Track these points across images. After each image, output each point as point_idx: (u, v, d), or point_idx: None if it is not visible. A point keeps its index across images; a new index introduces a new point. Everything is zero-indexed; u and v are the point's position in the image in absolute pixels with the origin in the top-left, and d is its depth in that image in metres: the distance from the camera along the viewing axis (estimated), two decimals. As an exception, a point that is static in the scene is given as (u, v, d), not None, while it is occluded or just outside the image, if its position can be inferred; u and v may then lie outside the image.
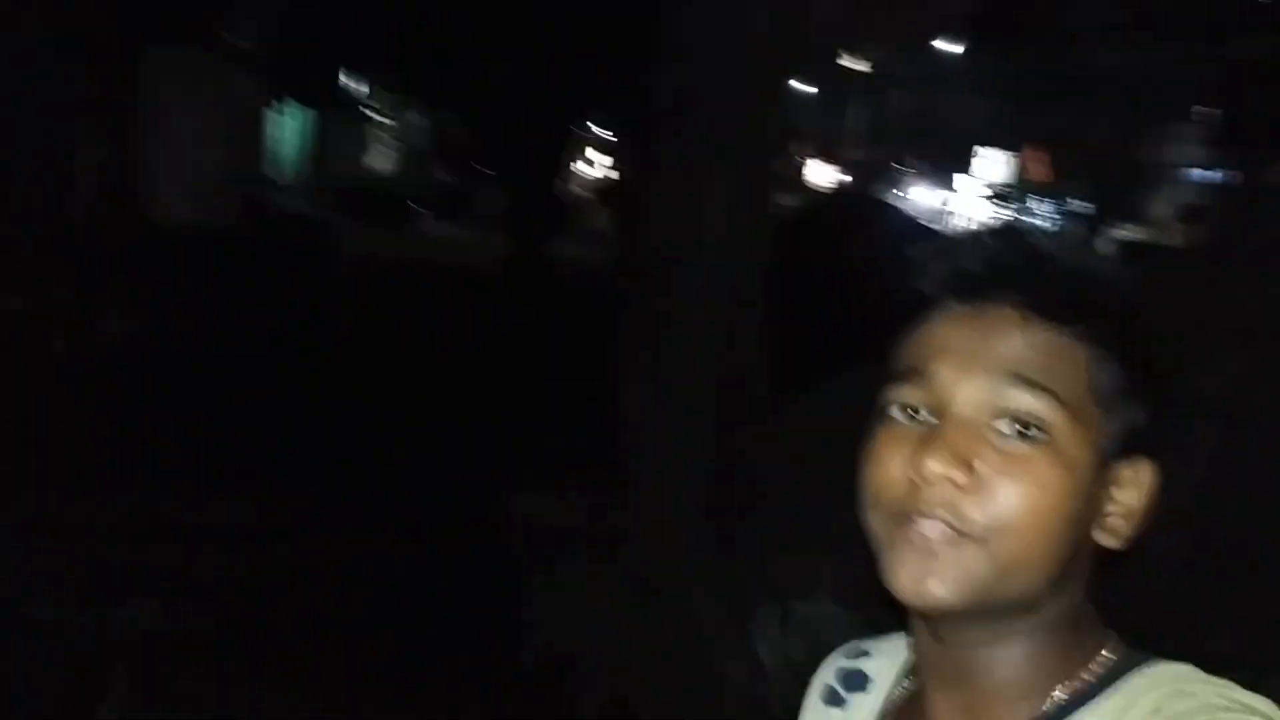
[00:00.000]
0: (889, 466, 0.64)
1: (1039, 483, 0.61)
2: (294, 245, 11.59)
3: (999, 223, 0.76)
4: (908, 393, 0.66)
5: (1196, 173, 15.49)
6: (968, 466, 0.61)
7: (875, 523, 0.66)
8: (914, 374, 0.66)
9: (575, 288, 8.21)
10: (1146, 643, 0.69)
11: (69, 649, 3.28)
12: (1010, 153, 22.99)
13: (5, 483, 4.28)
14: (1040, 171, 19.90)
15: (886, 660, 0.81)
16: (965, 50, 21.35)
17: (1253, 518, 2.60)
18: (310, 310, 8.51)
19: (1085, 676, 0.66)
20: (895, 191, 23.81)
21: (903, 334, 0.69)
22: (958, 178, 24.26)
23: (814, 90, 24.74)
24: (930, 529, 0.61)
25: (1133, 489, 0.66)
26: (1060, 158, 20.79)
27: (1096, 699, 0.64)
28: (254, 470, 4.82)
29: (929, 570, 0.61)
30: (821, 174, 26.29)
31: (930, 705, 0.71)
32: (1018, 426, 0.62)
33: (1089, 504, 0.64)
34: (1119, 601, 0.72)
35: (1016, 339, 0.63)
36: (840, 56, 23.47)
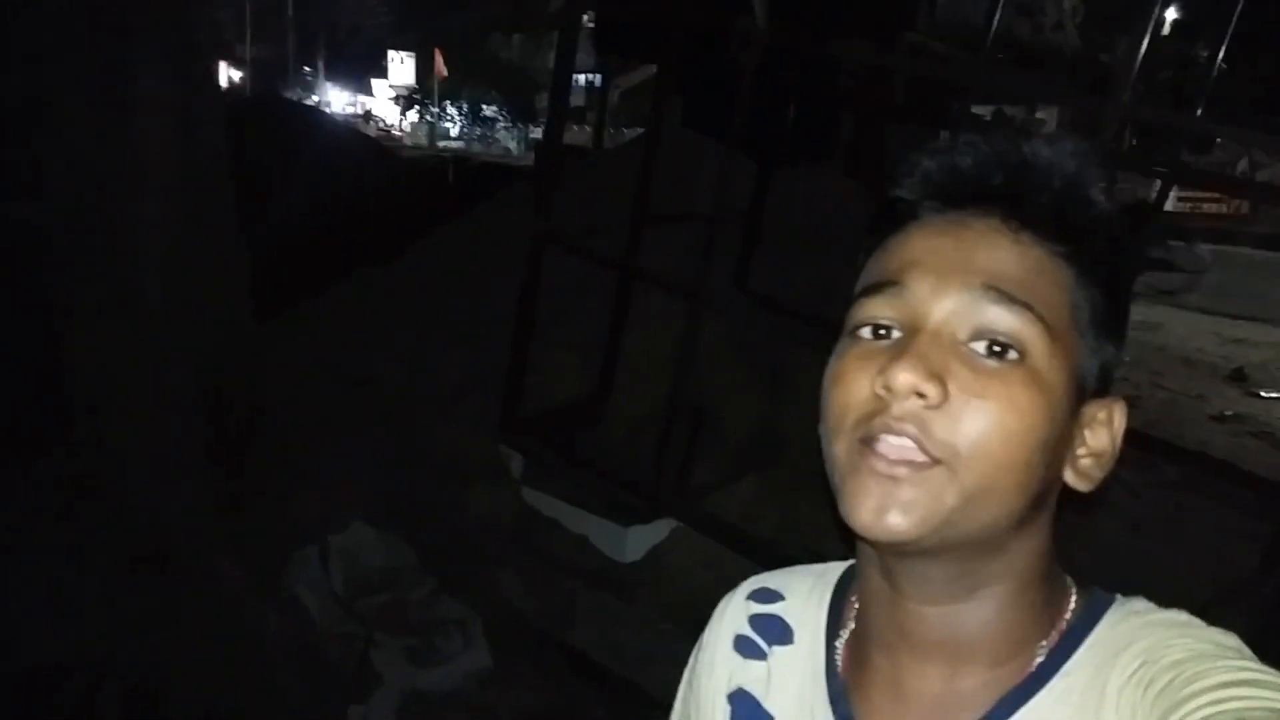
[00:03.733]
0: (856, 384, 0.58)
1: (1014, 405, 0.56)
2: None
3: (991, 127, 0.65)
4: (879, 306, 0.60)
5: (582, 77, 17.45)
6: (940, 382, 0.56)
7: (839, 450, 0.58)
8: (887, 286, 0.60)
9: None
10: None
11: None
12: (415, 55, 23.34)
13: None
14: (442, 75, 20.67)
15: (803, 603, 0.74)
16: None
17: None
18: None
19: (1061, 629, 0.62)
20: (305, 93, 22.78)
21: (872, 244, 0.63)
22: (373, 81, 24.01)
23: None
24: (897, 447, 0.56)
25: (1104, 430, 0.61)
26: (464, 62, 21.74)
27: (1075, 654, 0.61)
28: None
29: (891, 500, 0.56)
30: (220, 73, 24.03)
31: (897, 673, 0.64)
32: (994, 344, 0.57)
33: (1062, 437, 0.59)
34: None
35: (999, 251, 0.58)
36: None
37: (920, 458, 0.56)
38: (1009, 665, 0.61)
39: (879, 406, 0.57)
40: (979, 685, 0.61)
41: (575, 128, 16.32)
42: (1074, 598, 0.64)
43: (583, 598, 2.87)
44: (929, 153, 0.62)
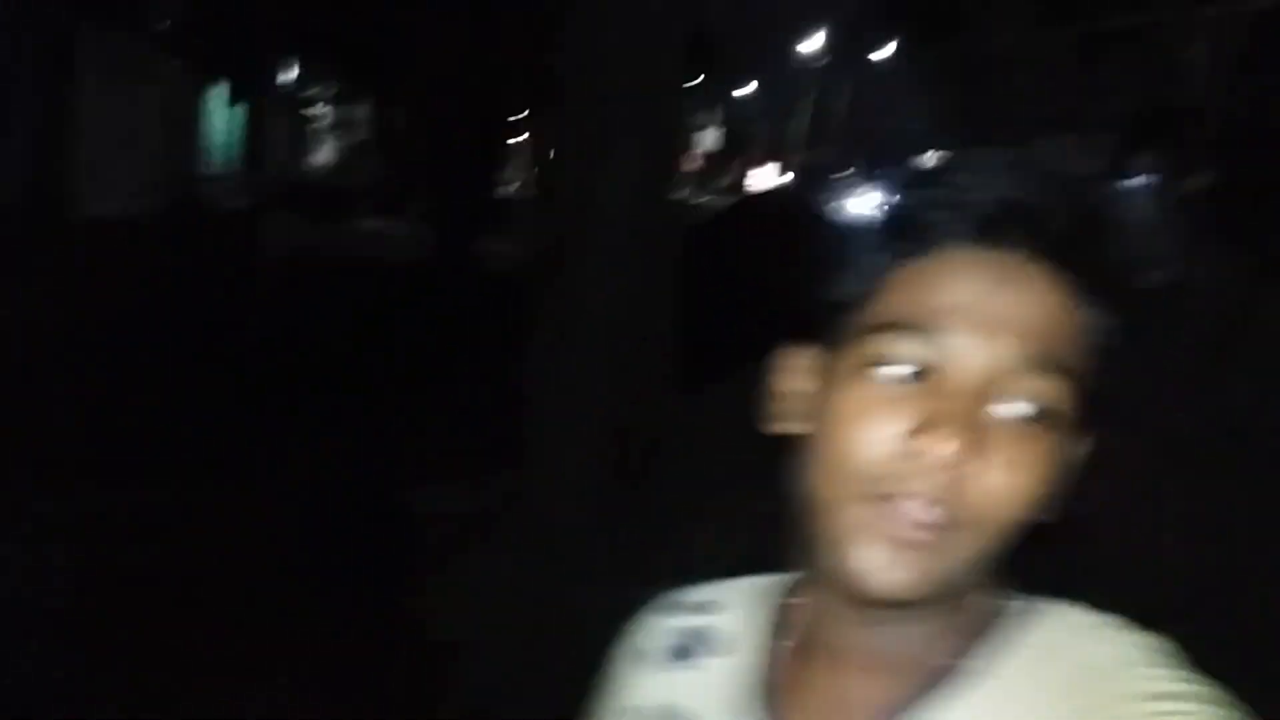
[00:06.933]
0: (879, 435, 0.54)
1: (1039, 470, 0.54)
2: (224, 238, 11.39)
3: (1009, 154, 0.61)
4: (903, 348, 0.55)
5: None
6: (980, 452, 0.53)
7: (846, 500, 0.55)
8: (913, 327, 0.55)
9: (497, 279, 8.21)
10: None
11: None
12: (944, 151, 23.31)
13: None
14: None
15: (740, 615, 0.71)
16: (894, 45, 21.67)
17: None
18: (235, 302, 8.36)
19: (995, 633, 0.61)
20: (839, 193, 23.96)
21: (887, 275, 0.58)
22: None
23: (756, 90, 24.77)
24: (919, 512, 0.53)
25: (1077, 463, 0.59)
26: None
27: (1006, 657, 0.59)
28: (165, 461, 4.74)
29: (900, 560, 0.53)
30: (767, 176, 26.53)
31: (837, 675, 0.63)
32: (1030, 410, 0.54)
33: None
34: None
35: (1034, 307, 0.54)
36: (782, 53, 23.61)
37: (944, 521, 0.54)
38: (941, 669, 0.60)
39: (906, 468, 0.54)
40: (909, 689, 0.61)
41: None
42: (1009, 601, 0.63)
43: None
44: (953, 180, 0.58)
